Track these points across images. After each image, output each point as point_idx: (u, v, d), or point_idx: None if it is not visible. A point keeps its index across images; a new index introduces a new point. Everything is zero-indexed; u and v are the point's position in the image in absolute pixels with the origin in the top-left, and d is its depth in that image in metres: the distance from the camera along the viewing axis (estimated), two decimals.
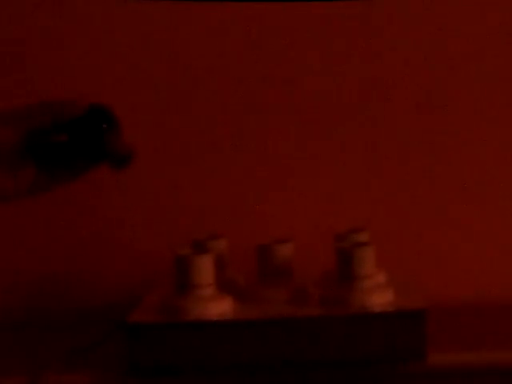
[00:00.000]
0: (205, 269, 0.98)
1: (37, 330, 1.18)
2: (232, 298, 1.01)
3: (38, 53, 1.22)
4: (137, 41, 1.22)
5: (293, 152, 1.24)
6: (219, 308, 0.98)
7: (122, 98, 1.15)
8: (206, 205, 1.24)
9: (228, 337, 0.96)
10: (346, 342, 0.96)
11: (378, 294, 0.98)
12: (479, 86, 1.21)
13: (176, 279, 0.99)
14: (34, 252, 1.24)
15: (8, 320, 1.20)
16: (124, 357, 0.97)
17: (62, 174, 0.85)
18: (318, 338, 0.96)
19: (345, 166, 1.24)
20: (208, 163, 1.22)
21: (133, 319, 0.98)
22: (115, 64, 1.22)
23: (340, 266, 0.99)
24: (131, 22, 1.22)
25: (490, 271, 1.22)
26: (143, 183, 1.22)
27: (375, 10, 1.20)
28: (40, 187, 0.85)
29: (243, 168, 1.24)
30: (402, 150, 1.23)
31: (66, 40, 1.22)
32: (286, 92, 1.23)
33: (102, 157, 0.84)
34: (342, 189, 1.24)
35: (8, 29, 1.21)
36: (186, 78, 1.22)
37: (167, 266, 1.04)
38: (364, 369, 0.97)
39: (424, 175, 1.23)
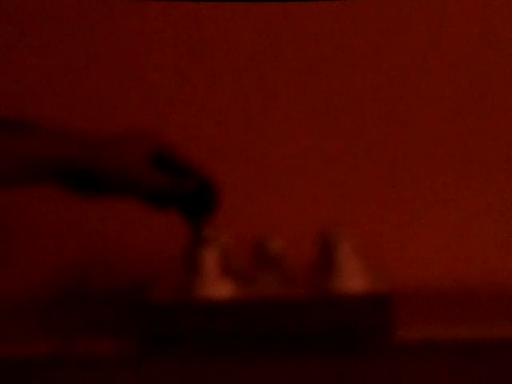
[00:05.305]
0: (211, 257, 1.04)
1: (72, 306, 1.22)
2: (233, 282, 1.06)
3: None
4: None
5: (283, 165, 1.28)
6: (222, 289, 1.04)
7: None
8: None
9: (229, 313, 1.02)
10: (326, 319, 1.01)
11: (354, 280, 1.03)
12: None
13: (188, 265, 1.05)
14: (72, 247, 1.29)
15: (50, 297, 1.26)
16: (143, 329, 1.02)
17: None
18: (304, 315, 1.02)
19: (325, 176, 1.28)
20: (218, 174, 1.19)
21: (152, 298, 1.03)
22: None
23: (322, 256, 1.06)
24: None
25: (448, 261, 1.27)
26: None
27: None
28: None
29: (246, 177, 1.28)
30: (370, 158, 1.28)
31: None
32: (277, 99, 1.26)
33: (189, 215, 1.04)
34: (324, 194, 1.28)
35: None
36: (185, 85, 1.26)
37: (179, 256, 1.09)
38: (340, 342, 1.02)
39: (391, 181, 1.28)
